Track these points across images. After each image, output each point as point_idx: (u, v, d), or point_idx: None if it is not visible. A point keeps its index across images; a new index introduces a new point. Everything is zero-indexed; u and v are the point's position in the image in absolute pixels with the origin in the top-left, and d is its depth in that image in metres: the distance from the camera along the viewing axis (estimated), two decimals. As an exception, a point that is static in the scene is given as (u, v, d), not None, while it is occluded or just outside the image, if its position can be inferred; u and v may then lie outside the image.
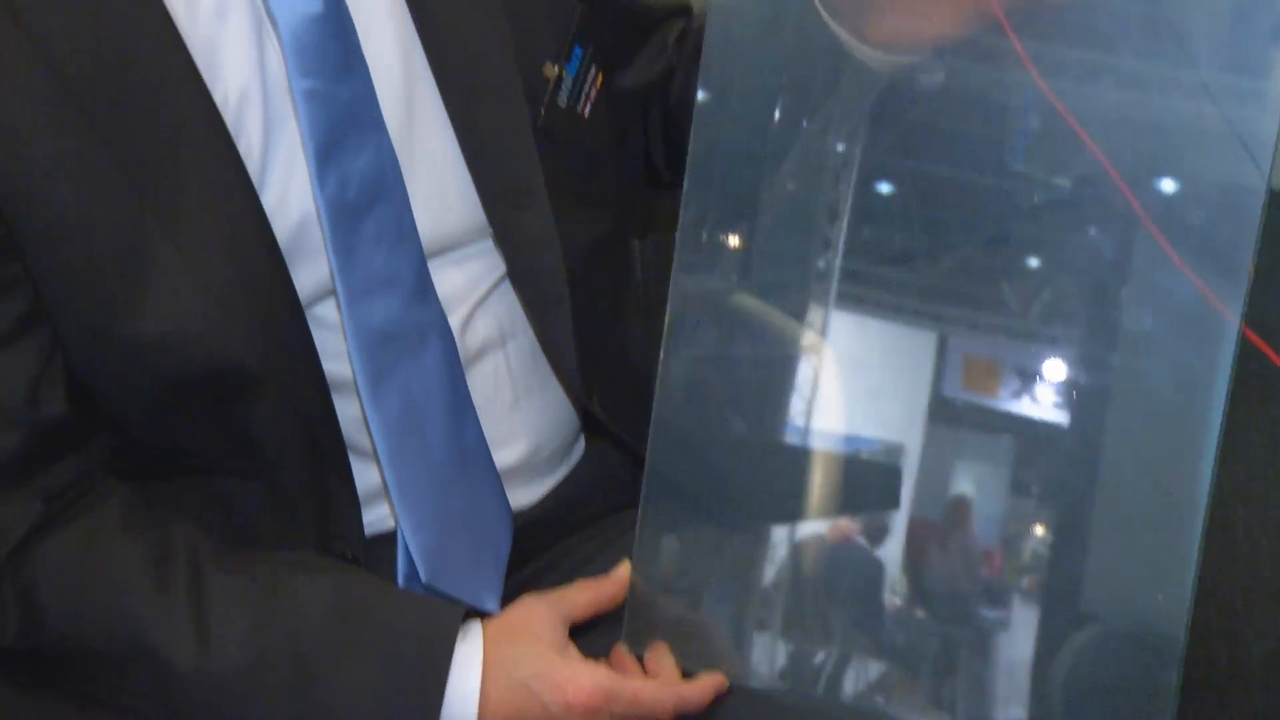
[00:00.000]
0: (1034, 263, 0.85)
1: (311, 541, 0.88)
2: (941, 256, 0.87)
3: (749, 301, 0.94)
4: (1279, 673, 1.73)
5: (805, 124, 0.88)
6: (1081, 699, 0.83)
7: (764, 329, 0.94)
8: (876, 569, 0.87)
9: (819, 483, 0.89)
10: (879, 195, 0.88)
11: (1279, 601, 1.84)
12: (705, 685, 0.84)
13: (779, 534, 0.89)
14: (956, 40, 0.80)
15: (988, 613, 0.85)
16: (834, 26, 0.83)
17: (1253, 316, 0.75)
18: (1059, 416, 0.84)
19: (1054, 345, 0.83)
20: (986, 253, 0.86)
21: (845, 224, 0.88)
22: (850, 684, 0.87)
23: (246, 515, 0.88)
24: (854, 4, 0.81)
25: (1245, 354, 0.76)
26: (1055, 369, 0.83)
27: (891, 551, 0.87)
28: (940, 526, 0.86)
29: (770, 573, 0.89)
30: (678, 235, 0.87)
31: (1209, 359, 0.77)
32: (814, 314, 0.90)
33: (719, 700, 0.85)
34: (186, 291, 0.78)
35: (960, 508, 0.86)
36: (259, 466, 0.86)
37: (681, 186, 1.14)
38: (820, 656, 0.88)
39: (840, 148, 0.88)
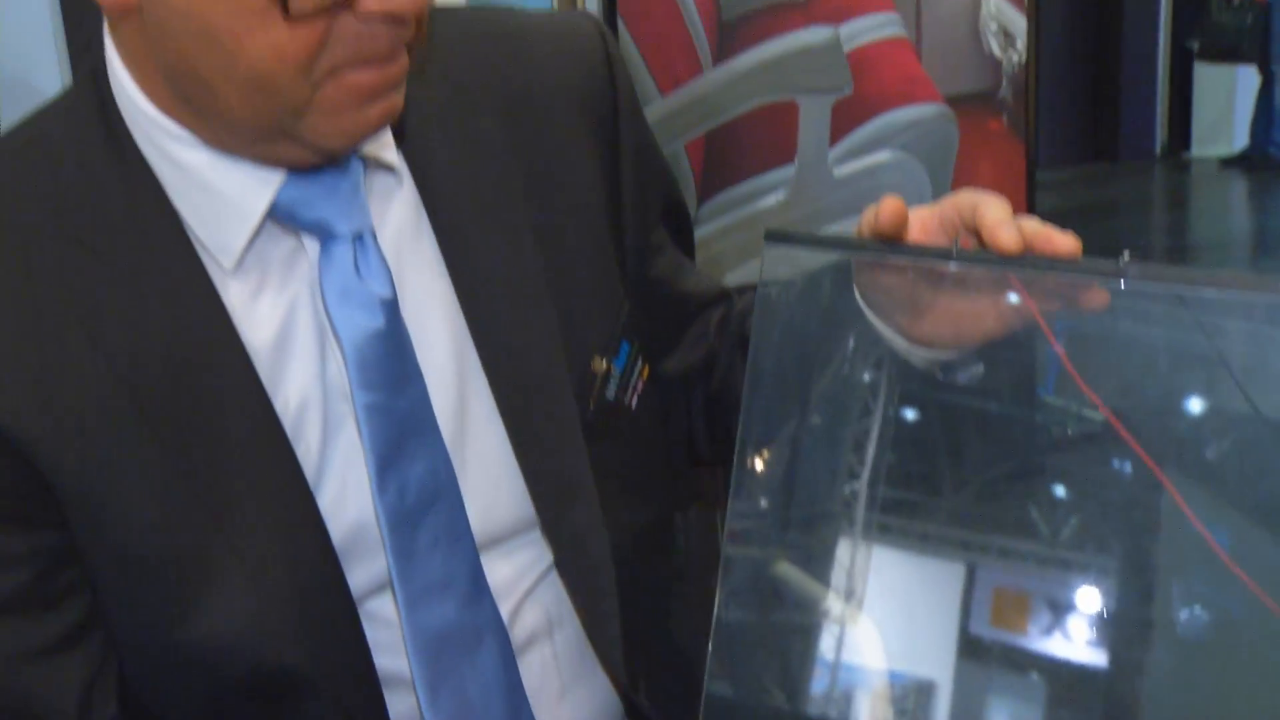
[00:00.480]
0: (1064, 489, 0.85)
1: None
2: (969, 483, 0.88)
3: (791, 571, 0.95)
4: None
5: (840, 379, 0.90)
6: None
7: (806, 600, 0.94)
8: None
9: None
10: (906, 423, 0.89)
11: None
12: None
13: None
14: (996, 339, 0.82)
15: None
16: (876, 323, 0.85)
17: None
18: (1093, 655, 0.82)
19: (1085, 576, 0.82)
20: (1016, 479, 0.86)
21: (872, 452, 0.90)
22: None
23: None
24: (897, 303, 0.84)
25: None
26: (1088, 601, 0.82)
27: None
28: None
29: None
30: (728, 509, 0.87)
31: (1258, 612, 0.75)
32: (843, 550, 0.90)
33: None
34: (241, 594, 0.79)
35: None
36: None
37: (722, 465, 1.16)
38: None
39: (867, 377, 0.90)
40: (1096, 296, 0.76)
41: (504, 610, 0.89)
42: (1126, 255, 0.75)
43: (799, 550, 0.94)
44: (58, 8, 2.95)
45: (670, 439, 1.05)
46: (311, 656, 0.81)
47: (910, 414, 0.89)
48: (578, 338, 0.90)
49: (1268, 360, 0.75)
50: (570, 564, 0.91)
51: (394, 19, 0.74)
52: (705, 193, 3.24)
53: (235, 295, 0.81)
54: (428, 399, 0.84)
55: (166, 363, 0.79)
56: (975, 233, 0.78)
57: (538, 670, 0.92)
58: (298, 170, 0.81)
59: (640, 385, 0.94)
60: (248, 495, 0.80)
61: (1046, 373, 0.85)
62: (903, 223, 0.78)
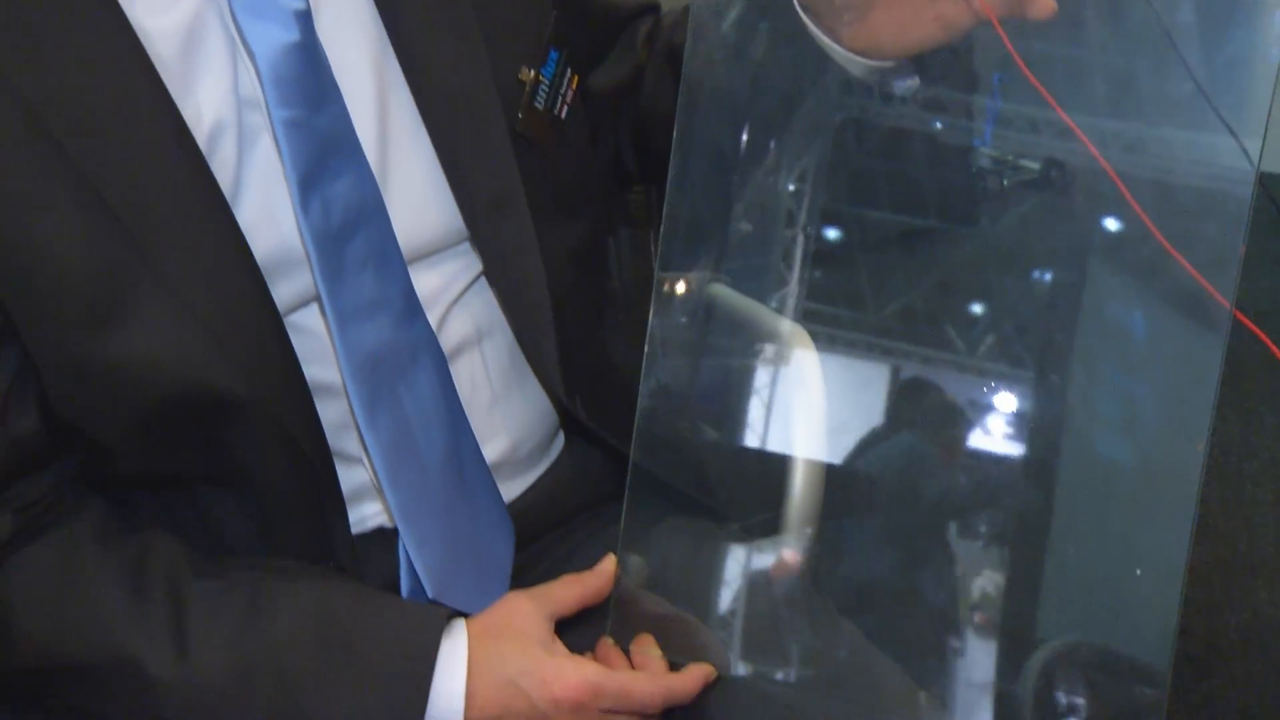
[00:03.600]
0: (982, 307, 0.87)
1: (297, 550, 0.87)
2: (897, 284, 0.90)
3: (725, 291, 0.95)
4: (1255, 643, 1.76)
5: (776, 134, 0.89)
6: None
7: (740, 320, 0.95)
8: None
9: (796, 485, 0.90)
10: (844, 213, 0.90)
11: (1254, 575, 1.87)
12: (694, 676, 0.84)
13: (756, 530, 0.90)
14: (934, 47, 0.80)
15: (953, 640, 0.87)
16: (813, 30, 0.84)
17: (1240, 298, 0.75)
18: (1009, 448, 0.85)
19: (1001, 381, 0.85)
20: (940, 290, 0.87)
21: (810, 190, 0.90)
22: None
23: (229, 525, 0.87)
24: (834, 10, 0.82)
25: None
26: (1003, 401, 0.85)
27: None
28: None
29: (747, 568, 0.90)
30: (662, 230, 0.86)
31: (1200, 347, 0.77)
32: (778, 278, 0.92)
33: (707, 690, 0.85)
34: (165, 315, 0.77)
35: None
36: (242, 479, 0.84)
37: (650, 185, 1.14)
38: (796, 648, 0.90)
39: (792, 187, 0.89)
40: (1043, 4, 0.74)
41: (432, 319, 0.88)
42: None
43: (734, 273, 0.94)
44: None
45: (600, 158, 1.04)
46: (240, 372, 0.79)
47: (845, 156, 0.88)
48: (504, 48, 0.87)
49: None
50: (500, 274, 0.90)
51: None
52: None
53: (140, 7, 0.77)
54: (348, 116, 0.81)
55: (67, 80, 0.74)
56: None
57: (468, 378, 0.92)
58: None
59: (570, 95, 0.92)
60: (164, 215, 0.76)
61: (984, 123, 0.84)
62: None
